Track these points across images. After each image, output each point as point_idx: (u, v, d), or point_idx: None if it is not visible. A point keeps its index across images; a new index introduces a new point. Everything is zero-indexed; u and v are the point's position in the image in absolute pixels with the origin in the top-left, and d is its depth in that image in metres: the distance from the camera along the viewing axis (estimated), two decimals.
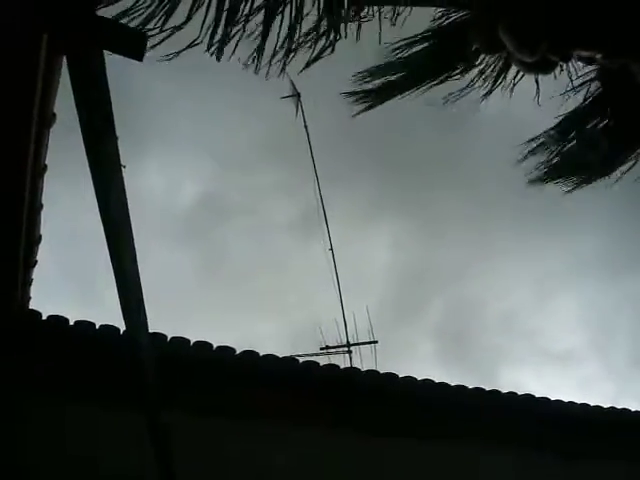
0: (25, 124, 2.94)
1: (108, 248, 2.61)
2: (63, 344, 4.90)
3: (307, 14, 3.81)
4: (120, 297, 2.87)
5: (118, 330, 4.94)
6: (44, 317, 4.97)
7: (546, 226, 11.57)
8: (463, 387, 5.96)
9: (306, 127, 10.92)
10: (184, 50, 3.54)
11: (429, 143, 10.90)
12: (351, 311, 9.96)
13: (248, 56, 3.89)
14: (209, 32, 3.59)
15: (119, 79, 2.15)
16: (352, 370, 6.48)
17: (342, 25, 3.88)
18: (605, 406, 6.30)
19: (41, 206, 4.01)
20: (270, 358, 5.48)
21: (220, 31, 3.62)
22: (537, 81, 4.71)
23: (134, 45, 1.95)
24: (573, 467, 5.79)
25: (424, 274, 13.61)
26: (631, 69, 2.27)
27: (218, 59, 3.72)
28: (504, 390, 6.07)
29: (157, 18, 3.43)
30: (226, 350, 5.36)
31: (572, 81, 4.78)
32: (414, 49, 4.68)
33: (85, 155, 2.24)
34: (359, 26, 3.93)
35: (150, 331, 3.34)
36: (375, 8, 3.91)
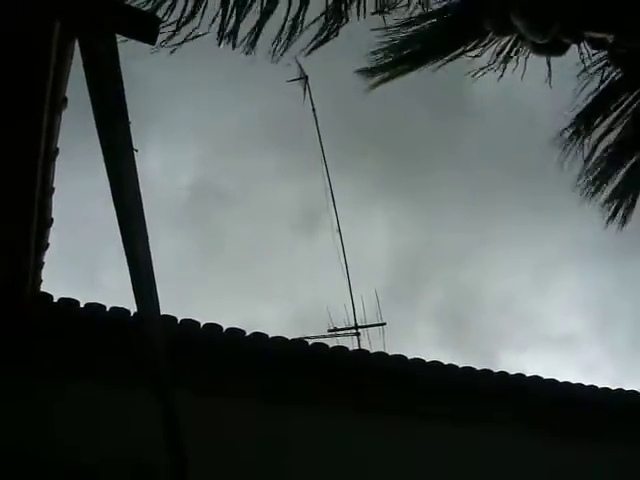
0: (37, 108, 2.95)
1: (120, 230, 2.63)
2: (74, 326, 4.95)
3: None
4: (132, 279, 2.89)
5: (128, 312, 4.99)
6: (55, 300, 5.02)
7: (546, 209, 11.54)
8: (470, 368, 5.99)
9: (314, 110, 10.97)
10: (192, 38, 3.54)
11: (428, 127, 10.89)
12: (358, 294, 10.02)
13: (246, 39, 3.88)
14: (216, 20, 3.59)
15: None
16: (363, 352, 6.50)
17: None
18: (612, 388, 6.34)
19: (52, 189, 4.04)
20: (280, 340, 5.52)
21: (231, 19, 3.62)
22: (549, 63, 4.68)
23: (146, 29, 1.95)
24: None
25: (423, 258, 13.62)
26: None
27: (219, 44, 3.72)
28: (512, 372, 6.10)
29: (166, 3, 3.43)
30: (236, 332, 5.40)
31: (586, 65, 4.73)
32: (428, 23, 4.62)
33: (97, 139, 2.25)
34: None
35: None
36: None
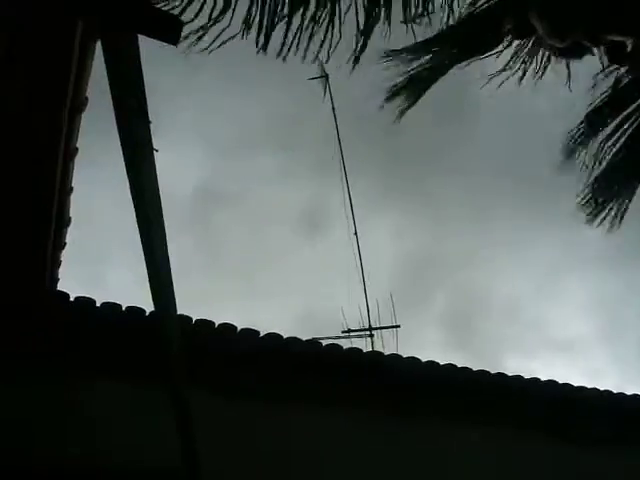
0: (58, 108, 2.98)
1: (139, 230, 2.64)
2: (91, 325, 4.97)
3: None
4: (150, 278, 2.90)
5: (144, 311, 5.01)
6: (71, 298, 5.05)
7: (552, 214, 11.47)
8: (483, 372, 5.98)
9: (334, 109, 10.88)
10: (224, 42, 3.55)
11: (431, 131, 10.85)
12: (371, 296, 10.02)
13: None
14: (248, 24, 3.60)
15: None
16: (377, 354, 6.49)
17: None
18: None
19: (71, 189, 4.07)
20: (293, 340, 5.52)
21: (264, 23, 3.63)
22: (568, 66, 4.67)
23: (170, 30, 1.96)
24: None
25: (429, 262, 13.58)
26: None
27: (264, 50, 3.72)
28: (526, 376, 6.09)
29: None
30: (250, 332, 5.41)
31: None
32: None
33: (118, 139, 2.26)
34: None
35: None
36: None
